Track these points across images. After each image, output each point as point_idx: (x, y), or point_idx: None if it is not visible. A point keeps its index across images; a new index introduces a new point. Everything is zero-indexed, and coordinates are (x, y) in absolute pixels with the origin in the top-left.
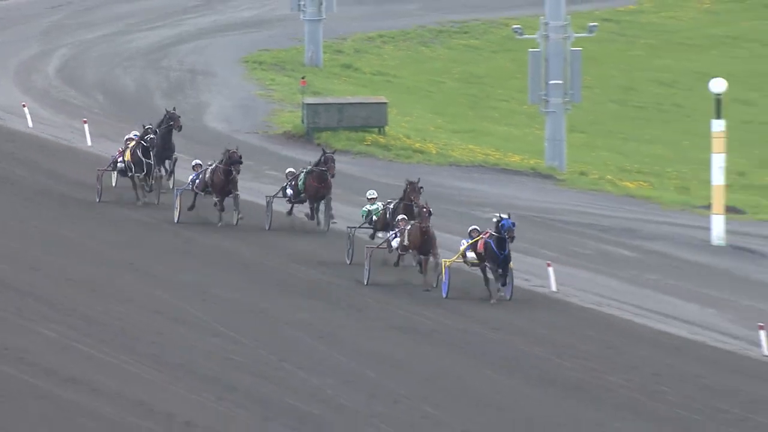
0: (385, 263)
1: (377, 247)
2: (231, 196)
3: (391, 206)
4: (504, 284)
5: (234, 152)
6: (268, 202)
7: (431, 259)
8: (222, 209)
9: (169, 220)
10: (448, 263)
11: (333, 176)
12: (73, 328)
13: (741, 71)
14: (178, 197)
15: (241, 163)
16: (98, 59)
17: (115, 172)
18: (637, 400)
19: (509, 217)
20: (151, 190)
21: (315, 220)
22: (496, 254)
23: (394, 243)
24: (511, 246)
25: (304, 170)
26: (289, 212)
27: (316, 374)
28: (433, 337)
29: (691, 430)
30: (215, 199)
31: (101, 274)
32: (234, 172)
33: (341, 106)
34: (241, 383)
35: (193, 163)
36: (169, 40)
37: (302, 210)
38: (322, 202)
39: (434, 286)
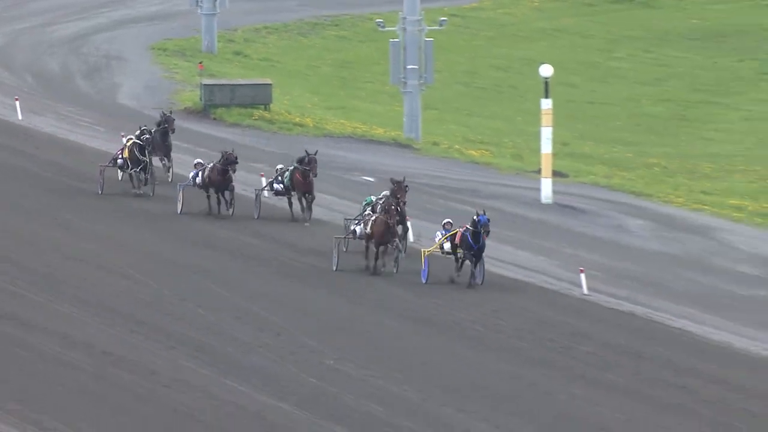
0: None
1: (344, 237)
2: (227, 191)
3: (381, 202)
4: (476, 271)
5: (231, 153)
6: (256, 195)
7: (389, 247)
8: (219, 202)
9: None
10: (427, 252)
11: (315, 175)
12: (4, 273)
13: (564, 59)
14: (181, 191)
15: (237, 163)
16: (27, 46)
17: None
18: (480, 332)
19: (485, 214)
20: (146, 184)
21: (301, 211)
22: (471, 246)
23: (358, 230)
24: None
25: (290, 167)
26: (290, 205)
27: (212, 311)
28: (310, 279)
29: (523, 356)
30: (211, 195)
31: (31, 228)
32: (230, 171)
33: (233, 87)
34: (150, 318)
35: (195, 162)
36: (87, 30)
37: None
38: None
39: (395, 271)
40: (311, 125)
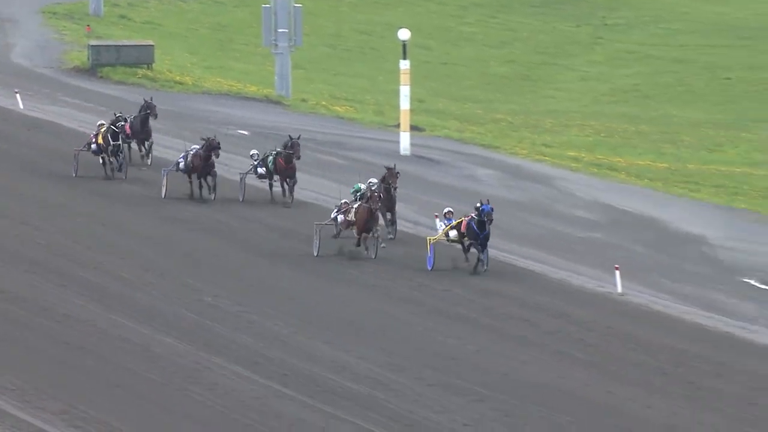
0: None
1: (325, 223)
2: (209, 176)
3: (373, 188)
4: (483, 257)
5: (213, 140)
6: (241, 178)
7: (371, 235)
8: (200, 186)
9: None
10: (432, 240)
11: (299, 158)
12: None
13: (421, 24)
14: (165, 176)
15: (219, 148)
16: None
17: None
18: (352, 274)
19: (488, 203)
20: (120, 169)
21: (283, 194)
22: (476, 233)
23: (339, 218)
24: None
25: (273, 152)
26: (271, 192)
27: (100, 253)
28: (194, 223)
29: (389, 295)
30: (194, 180)
31: None
32: (213, 157)
33: (118, 47)
34: (43, 259)
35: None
36: None
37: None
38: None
39: (374, 257)
40: (190, 83)
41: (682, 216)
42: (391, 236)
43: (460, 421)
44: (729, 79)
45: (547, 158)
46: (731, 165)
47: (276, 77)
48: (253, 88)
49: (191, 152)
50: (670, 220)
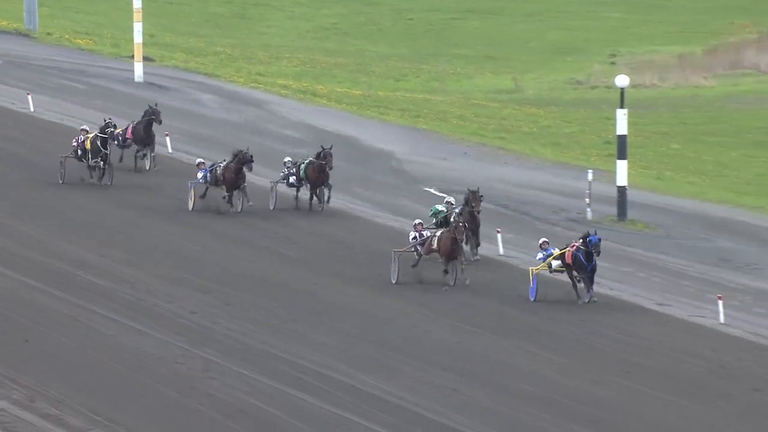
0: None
1: (404, 250)
2: (240, 189)
3: (457, 210)
4: (590, 289)
5: (246, 153)
6: (271, 186)
7: (456, 264)
8: (231, 203)
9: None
10: (535, 271)
11: (331, 168)
12: None
13: None
14: (192, 189)
15: (252, 161)
16: None
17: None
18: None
19: (596, 234)
20: (104, 175)
21: (314, 201)
22: (584, 265)
23: (419, 248)
24: None
25: (305, 161)
26: (296, 197)
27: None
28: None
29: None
30: (225, 194)
31: None
32: (245, 170)
33: None
34: None
35: (197, 161)
36: None
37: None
38: (322, 187)
39: (452, 284)
40: None
41: (374, 135)
42: (477, 257)
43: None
44: (411, 19)
45: (260, 85)
46: (414, 92)
47: (24, 13)
48: (4, 23)
49: (221, 165)
50: (363, 138)
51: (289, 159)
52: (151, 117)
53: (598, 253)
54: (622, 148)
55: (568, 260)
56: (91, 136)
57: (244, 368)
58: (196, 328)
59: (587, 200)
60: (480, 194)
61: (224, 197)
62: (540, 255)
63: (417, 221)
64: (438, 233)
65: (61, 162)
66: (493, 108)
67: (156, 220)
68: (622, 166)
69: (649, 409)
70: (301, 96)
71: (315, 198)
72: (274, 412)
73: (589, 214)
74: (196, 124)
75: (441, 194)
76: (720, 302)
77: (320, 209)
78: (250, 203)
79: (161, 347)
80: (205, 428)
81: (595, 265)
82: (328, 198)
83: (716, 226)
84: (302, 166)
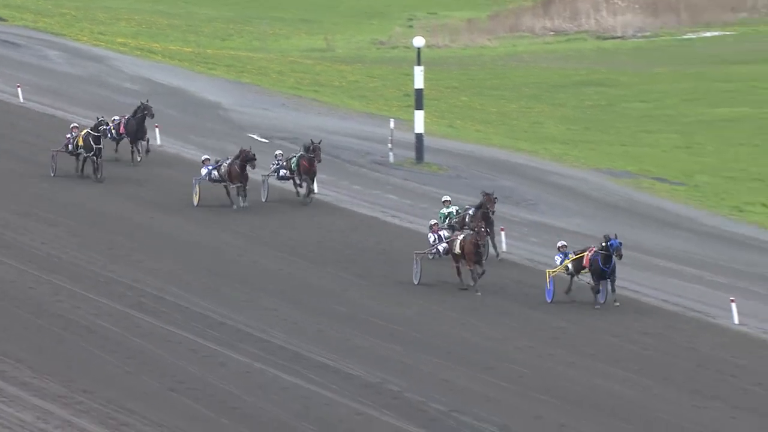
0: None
1: (425, 252)
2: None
3: (470, 212)
4: (607, 289)
5: (249, 151)
6: (263, 180)
7: (478, 267)
8: (239, 194)
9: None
10: (552, 273)
11: (319, 161)
12: None
13: None
14: (197, 185)
15: (255, 159)
16: None
17: None
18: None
19: (616, 238)
20: (96, 169)
21: (303, 192)
22: (601, 270)
23: (441, 248)
24: None
25: (296, 155)
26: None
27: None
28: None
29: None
30: (233, 186)
31: None
32: (248, 167)
33: None
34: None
35: (203, 158)
36: None
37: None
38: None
39: (474, 286)
40: None
41: (203, 88)
42: (499, 258)
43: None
44: None
45: (102, 43)
46: (238, 50)
47: None
48: None
49: (226, 162)
50: (194, 91)
51: (280, 152)
52: (144, 113)
53: (620, 257)
54: (418, 100)
55: (586, 264)
56: (83, 133)
57: (90, 293)
58: (46, 258)
59: (389, 145)
60: (494, 196)
61: (227, 192)
62: (558, 257)
63: (432, 222)
64: (460, 237)
65: (52, 156)
66: (307, 65)
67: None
68: (419, 116)
69: None
70: (138, 53)
71: (302, 188)
72: (117, 331)
73: (391, 158)
74: (44, 78)
75: (263, 139)
76: (503, 233)
77: (309, 202)
78: (244, 203)
79: (16, 274)
80: (55, 345)
81: (613, 267)
82: (313, 189)
83: (498, 167)
84: (293, 159)
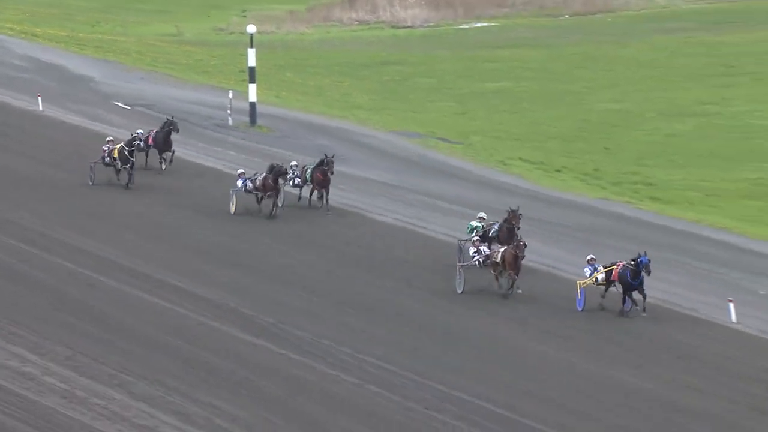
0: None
1: (468, 264)
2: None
3: (496, 227)
4: (632, 301)
5: (281, 166)
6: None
7: (516, 276)
8: (272, 208)
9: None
10: (583, 284)
11: (332, 173)
12: None
13: None
14: (234, 195)
15: (287, 173)
16: None
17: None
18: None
19: (645, 255)
20: (129, 179)
21: (321, 203)
22: (629, 284)
23: (483, 252)
24: None
25: (311, 166)
26: (300, 198)
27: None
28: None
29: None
30: (266, 195)
31: None
32: (281, 181)
33: None
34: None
35: (239, 171)
36: None
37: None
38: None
39: (511, 292)
40: None
41: (77, 65)
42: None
43: None
44: None
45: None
46: (105, 35)
47: None
48: None
49: (260, 176)
50: (71, 67)
51: (295, 163)
52: (170, 128)
53: (649, 273)
54: (252, 76)
55: (614, 277)
56: (118, 146)
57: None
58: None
59: (229, 112)
60: (520, 213)
61: (259, 201)
62: (587, 269)
63: (475, 239)
64: (501, 250)
65: (91, 167)
66: (161, 47)
67: None
68: (252, 88)
69: None
70: (24, 35)
71: (320, 199)
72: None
73: (230, 121)
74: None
75: (126, 106)
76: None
77: (328, 211)
78: (275, 211)
79: None
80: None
81: (641, 282)
82: (327, 199)
83: (316, 130)
84: (308, 170)
